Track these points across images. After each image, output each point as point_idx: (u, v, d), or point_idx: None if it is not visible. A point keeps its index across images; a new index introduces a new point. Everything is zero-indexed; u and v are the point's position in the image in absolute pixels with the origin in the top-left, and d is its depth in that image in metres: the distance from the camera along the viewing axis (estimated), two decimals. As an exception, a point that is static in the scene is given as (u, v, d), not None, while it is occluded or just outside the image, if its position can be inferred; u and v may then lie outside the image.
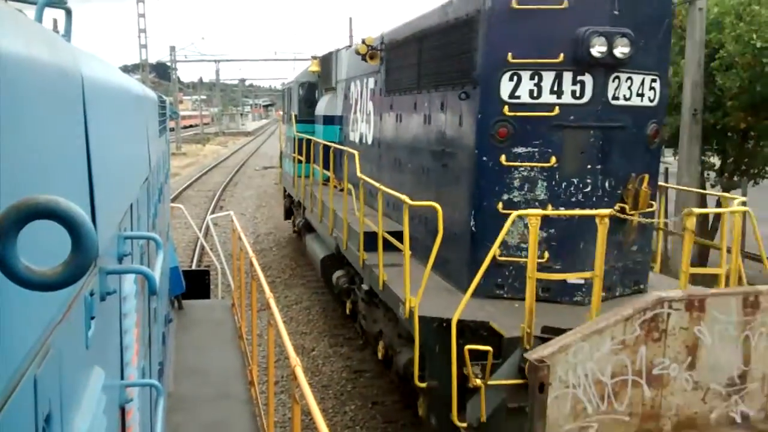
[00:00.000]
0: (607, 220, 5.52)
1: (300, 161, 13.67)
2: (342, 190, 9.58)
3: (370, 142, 10.87)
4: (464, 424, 5.67)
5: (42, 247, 1.03)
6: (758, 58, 11.66)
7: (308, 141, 12.95)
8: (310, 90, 15.83)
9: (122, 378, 2.35)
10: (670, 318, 4.95)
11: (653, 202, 7.11)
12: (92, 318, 1.57)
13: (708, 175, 14.90)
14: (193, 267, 14.68)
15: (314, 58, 16.03)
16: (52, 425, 1.09)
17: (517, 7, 6.55)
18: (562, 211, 6.55)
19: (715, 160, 15.20)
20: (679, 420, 5.10)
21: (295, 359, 4.29)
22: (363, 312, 9.02)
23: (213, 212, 21.64)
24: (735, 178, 14.36)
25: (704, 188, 14.86)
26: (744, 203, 6.93)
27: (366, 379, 9.69)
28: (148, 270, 2.29)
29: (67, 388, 1.22)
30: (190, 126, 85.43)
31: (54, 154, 1.23)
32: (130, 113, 3.10)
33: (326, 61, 14.44)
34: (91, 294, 1.59)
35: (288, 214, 17.85)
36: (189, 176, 35.07)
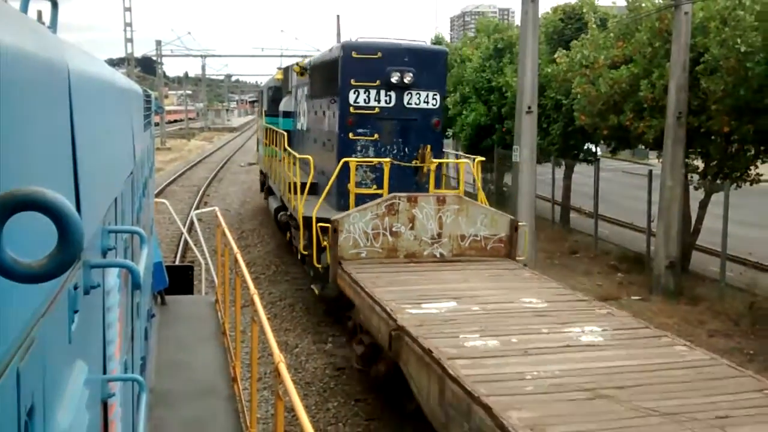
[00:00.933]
0: (389, 164, 11.46)
1: (266, 144, 19.74)
2: (294, 163, 13.81)
3: (305, 129, 15.88)
4: (319, 266, 10.87)
5: (27, 239, 1.02)
6: (742, 63, 11.75)
7: (271, 129, 18.68)
8: (276, 92, 20.80)
9: (105, 372, 2.34)
10: (399, 205, 10.16)
11: (435, 160, 12.39)
12: (75, 312, 1.57)
13: (692, 177, 15.01)
14: (177, 262, 14.61)
15: (279, 69, 22.23)
16: (35, 418, 1.08)
17: (356, 56, 12.26)
18: (365, 159, 12.15)
19: (699, 163, 15.32)
20: (407, 253, 10.19)
21: (278, 356, 4.28)
22: (293, 234, 13.58)
23: (197, 208, 21.54)
24: (718, 181, 14.48)
25: (688, 191, 14.98)
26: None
27: (349, 377, 9.69)
28: (133, 264, 2.28)
29: (49, 382, 1.22)
30: (175, 121, 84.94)
31: (39, 147, 1.22)
32: (116, 107, 3.08)
33: (286, 72, 19.76)
34: (75, 287, 1.58)
35: (263, 187, 22.88)
36: (174, 171, 34.89)
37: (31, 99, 1.15)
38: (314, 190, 12.18)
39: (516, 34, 20.61)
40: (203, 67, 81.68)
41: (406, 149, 12.42)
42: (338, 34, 43.78)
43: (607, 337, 6.76)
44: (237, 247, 7.59)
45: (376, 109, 12.32)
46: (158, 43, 57.25)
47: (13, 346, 0.97)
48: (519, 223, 10.75)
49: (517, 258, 10.40)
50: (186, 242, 15.81)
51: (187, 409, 6.14)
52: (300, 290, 13.86)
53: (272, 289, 14.06)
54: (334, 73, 12.51)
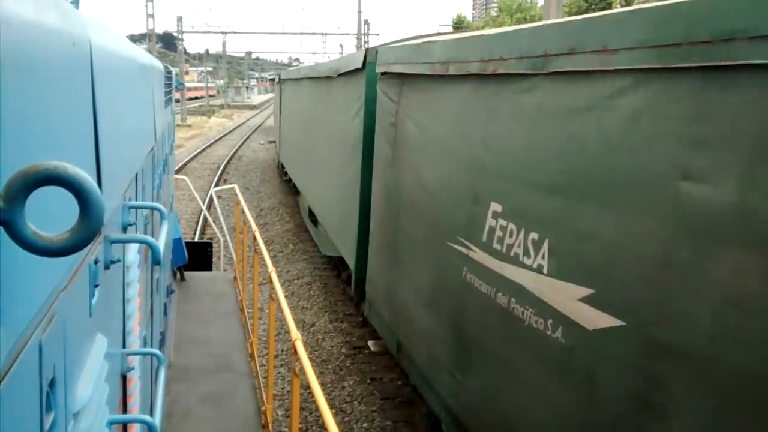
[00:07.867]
0: None
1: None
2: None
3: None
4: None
5: (49, 214, 1.03)
6: None
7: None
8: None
9: (124, 346, 2.37)
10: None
11: None
12: (96, 286, 1.59)
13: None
14: (196, 239, 14.72)
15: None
16: (56, 390, 1.10)
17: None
18: None
19: None
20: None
21: (295, 333, 4.31)
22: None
23: (217, 185, 21.65)
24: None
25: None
26: None
27: (365, 356, 9.75)
28: (153, 240, 2.30)
29: (70, 355, 1.24)
30: (196, 98, 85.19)
31: (62, 122, 1.23)
32: (137, 83, 3.09)
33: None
34: (96, 262, 1.60)
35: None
36: (194, 148, 35.05)
37: (53, 74, 1.16)
38: None
39: (539, 13, 20.36)
40: (224, 44, 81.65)
41: None
42: (359, 12, 43.62)
43: None
44: (255, 224, 7.63)
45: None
46: (179, 19, 57.28)
47: (35, 319, 0.99)
48: None
49: None
50: (205, 219, 15.90)
51: (205, 384, 6.21)
52: (317, 269, 13.92)
53: (290, 268, 14.14)
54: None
